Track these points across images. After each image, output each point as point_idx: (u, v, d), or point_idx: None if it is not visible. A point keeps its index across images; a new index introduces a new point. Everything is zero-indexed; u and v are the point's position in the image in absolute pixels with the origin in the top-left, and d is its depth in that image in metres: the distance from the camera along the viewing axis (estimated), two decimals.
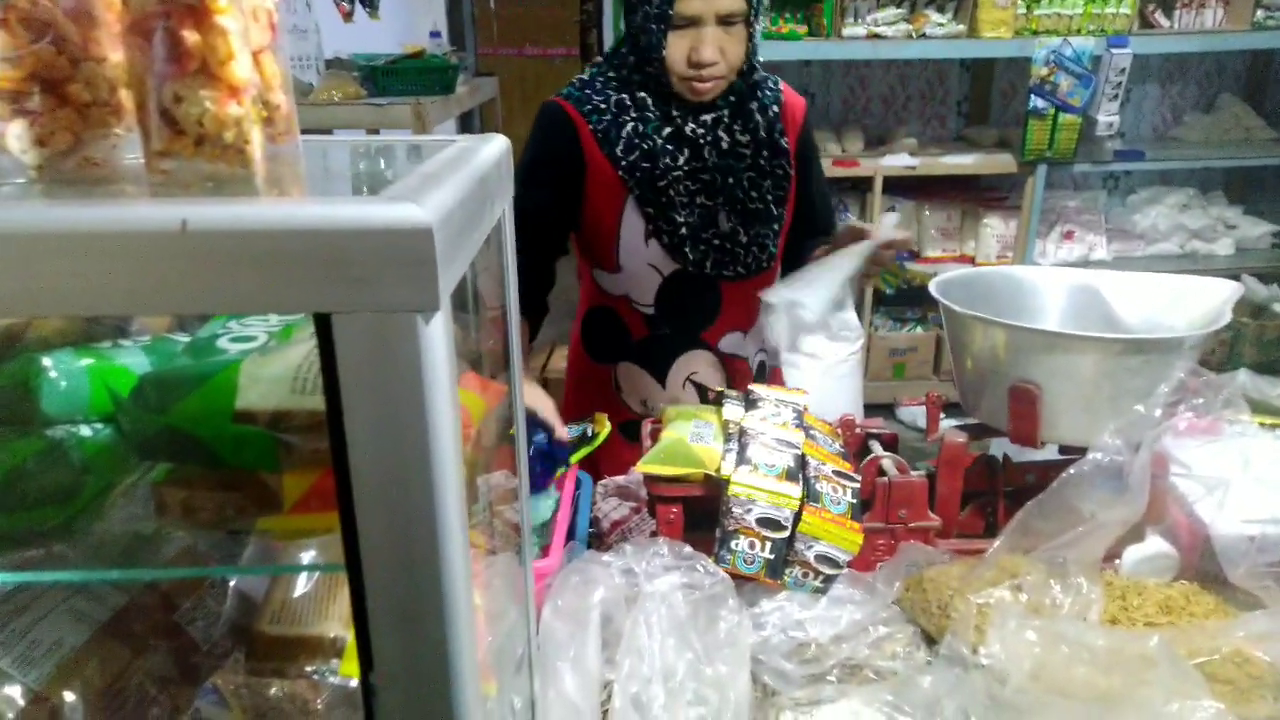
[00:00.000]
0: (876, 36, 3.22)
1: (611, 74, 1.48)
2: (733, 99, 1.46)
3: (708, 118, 1.45)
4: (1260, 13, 3.30)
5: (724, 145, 1.46)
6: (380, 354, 0.46)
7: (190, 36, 0.49)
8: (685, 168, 1.45)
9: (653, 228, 1.48)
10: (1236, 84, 3.86)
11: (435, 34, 4.04)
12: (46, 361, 0.57)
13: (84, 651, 0.59)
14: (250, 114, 0.52)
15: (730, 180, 1.48)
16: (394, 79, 3.03)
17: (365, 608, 0.50)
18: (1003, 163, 3.42)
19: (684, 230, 1.47)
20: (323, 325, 0.45)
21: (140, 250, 0.44)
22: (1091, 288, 1.30)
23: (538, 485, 1.19)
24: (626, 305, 1.56)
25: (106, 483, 0.55)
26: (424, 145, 0.72)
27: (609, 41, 3.84)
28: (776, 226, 1.54)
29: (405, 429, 0.47)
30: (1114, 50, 3.14)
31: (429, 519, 0.48)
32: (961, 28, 3.25)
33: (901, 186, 3.59)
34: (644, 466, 1.18)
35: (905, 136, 3.52)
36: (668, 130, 1.45)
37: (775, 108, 1.51)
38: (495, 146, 0.72)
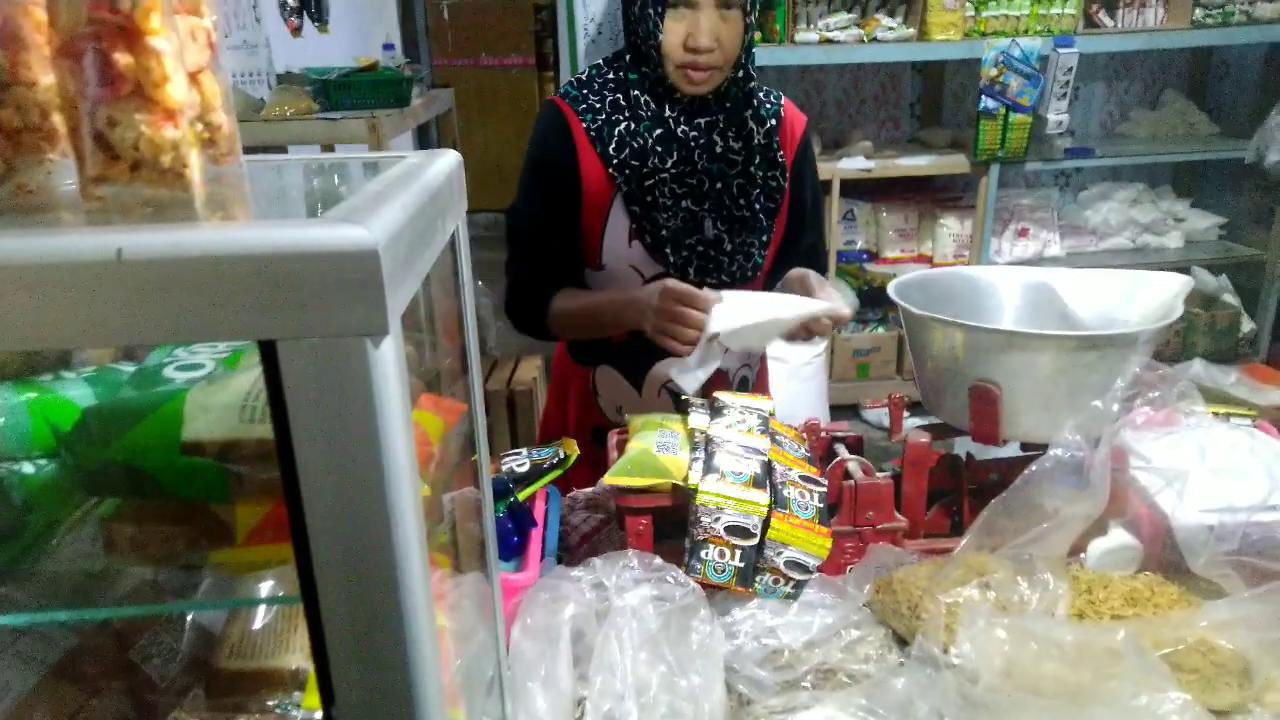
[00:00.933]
0: (829, 41, 3.25)
1: (610, 74, 1.49)
2: (728, 104, 1.46)
3: (701, 121, 1.45)
4: (1199, 11, 3.39)
5: (716, 150, 1.46)
6: (329, 380, 0.44)
7: (122, 59, 0.48)
8: (673, 170, 1.45)
9: (636, 227, 1.47)
10: (1180, 80, 3.96)
11: (389, 46, 4.00)
12: None
13: (32, 696, 0.57)
14: (188, 136, 0.50)
15: (719, 186, 1.48)
16: (347, 93, 3.00)
17: (324, 640, 0.49)
18: (956, 163, 3.47)
19: (665, 232, 1.47)
20: (268, 352, 0.44)
21: (75, 281, 0.43)
22: (1046, 285, 1.32)
23: (509, 553, 1.17)
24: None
25: (51, 520, 0.53)
26: (374, 162, 0.71)
27: (565, 51, 3.83)
28: (765, 237, 1.53)
29: (358, 456, 0.46)
30: (1061, 50, 3.20)
31: (386, 548, 0.47)
32: (911, 31, 3.29)
33: (858, 189, 3.62)
34: (611, 478, 1.17)
35: (860, 140, 3.55)
36: (659, 131, 1.45)
37: (774, 121, 1.51)
38: (446, 162, 0.71)
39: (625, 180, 1.45)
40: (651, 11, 1.36)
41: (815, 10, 3.30)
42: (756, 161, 1.49)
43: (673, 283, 1.31)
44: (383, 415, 0.46)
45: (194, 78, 0.57)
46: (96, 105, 0.50)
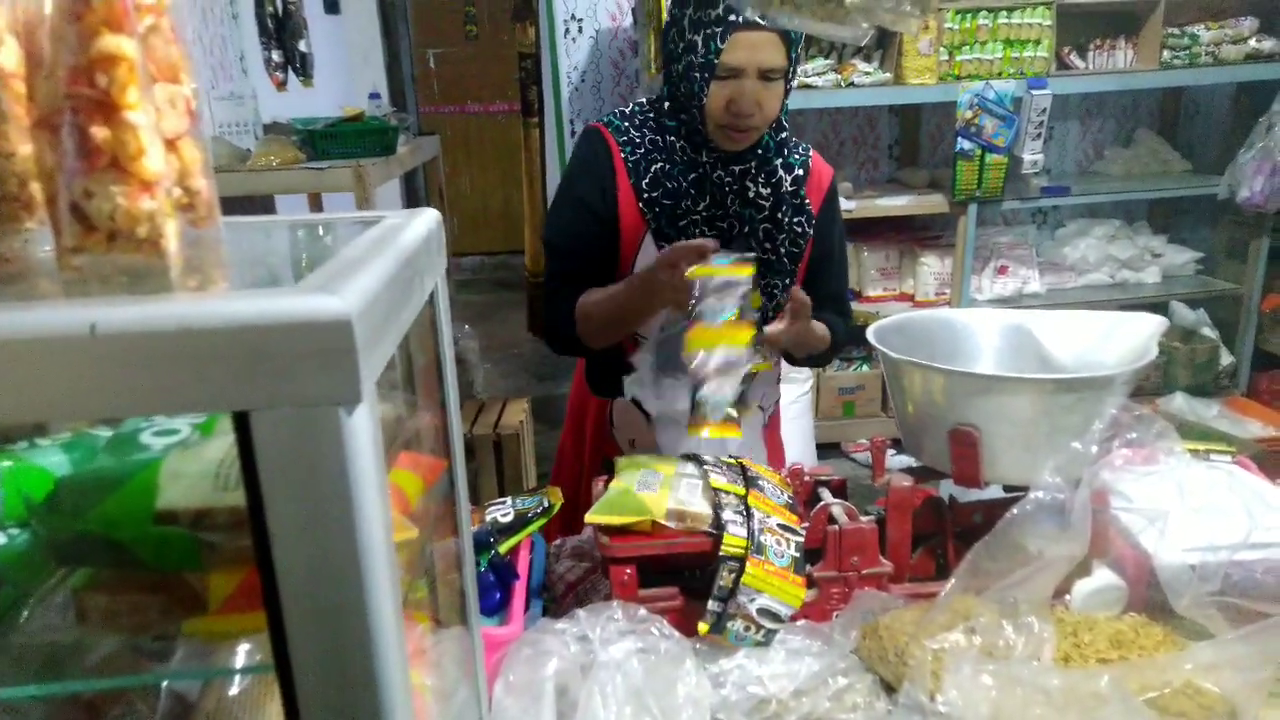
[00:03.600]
0: (807, 86, 3.31)
1: (651, 114, 1.54)
2: (760, 152, 1.51)
3: (736, 168, 1.51)
4: (1167, 53, 3.47)
5: (749, 195, 1.52)
6: (302, 449, 0.45)
7: (99, 133, 0.49)
8: (705, 212, 1.51)
9: None
10: (1151, 119, 4.04)
11: (375, 95, 4.05)
12: None
13: None
14: (164, 207, 0.51)
15: (747, 230, 1.53)
16: (333, 142, 3.02)
17: (297, 708, 0.49)
18: (935, 203, 3.52)
19: None
20: (241, 422, 0.44)
21: (50, 356, 0.43)
22: (1023, 328, 1.33)
23: (493, 608, 1.16)
24: (631, 340, 1.58)
25: (21, 593, 0.53)
26: (351, 223, 0.72)
27: (549, 98, 3.89)
28: (788, 280, 1.57)
29: (331, 524, 0.46)
30: (1034, 92, 3.27)
31: (360, 615, 0.47)
32: (888, 75, 3.35)
33: None
34: (592, 517, 1.18)
35: (840, 180, 3.60)
36: (693, 175, 1.50)
37: (801, 170, 1.57)
38: (424, 221, 0.71)
39: (655, 218, 1.50)
40: (698, 75, 1.41)
41: None
42: (784, 208, 1.54)
43: (669, 247, 1.34)
44: (356, 483, 0.46)
45: (173, 144, 0.58)
46: (73, 177, 0.50)
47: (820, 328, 1.54)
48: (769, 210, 1.53)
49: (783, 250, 1.55)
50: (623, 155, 1.52)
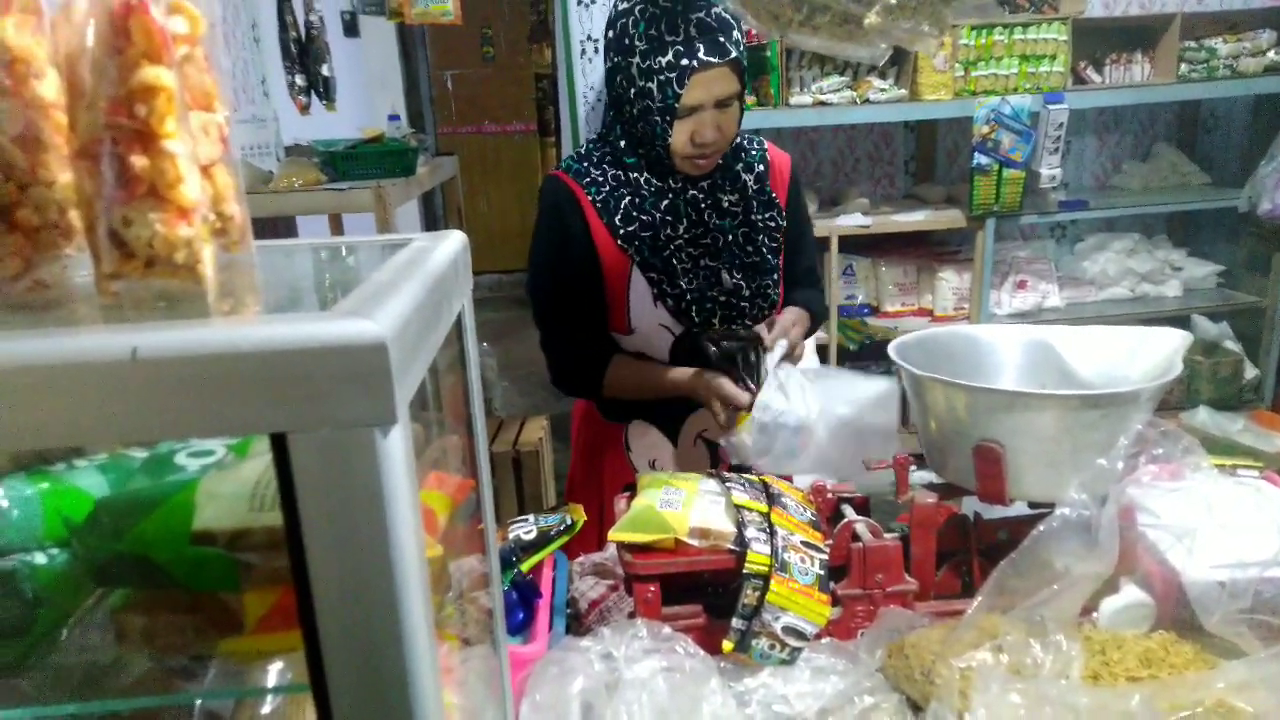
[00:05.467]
0: (822, 104, 3.32)
1: (608, 150, 1.56)
2: (720, 162, 1.54)
3: (705, 183, 1.54)
4: (1184, 66, 3.46)
5: (723, 205, 1.55)
6: (338, 470, 0.45)
7: (138, 161, 0.50)
8: (686, 235, 1.54)
9: (657, 292, 1.54)
10: (1169, 132, 4.02)
11: (394, 117, 4.10)
12: None
13: None
14: (201, 233, 0.52)
15: (730, 239, 1.56)
16: (354, 164, 3.06)
17: None
18: (952, 218, 3.51)
19: (689, 296, 1.54)
20: (278, 443, 0.45)
21: (92, 381, 0.44)
22: (1046, 343, 1.33)
23: (517, 627, 1.17)
24: None
25: (61, 613, 0.53)
26: (380, 246, 0.73)
27: (565, 116, 3.92)
28: (776, 276, 1.62)
29: (366, 544, 0.46)
30: (1050, 106, 3.26)
31: (394, 635, 0.47)
32: (903, 92, 3.36)
33: (856, 245, 3.66)
34: (615, 535, 1.18)
35: (857, 196, 3.61)
36: (665, 203, 1.52)
37: (761, 166, 1.61)
38: (451, 244, 0.72)
39: (637, 251, 1.52)
40: (657, 119, 1.43)
41: (808, 74, 3.38)
42: (755, 207, 1.58)
43: (716, 384, 1.48)
44: (390, 503, 0.46)
45: (206, 171, 0.59)
46: (112, 205, 0.52)
47: (795, 313, 1.62)
48: (742, 215, 1.57)
49: (765, 250, 1.58)
50: (589, 197, 1.53)
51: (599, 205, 1.52)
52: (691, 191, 1.53)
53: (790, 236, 1.66)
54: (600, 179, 1.53)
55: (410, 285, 0.54)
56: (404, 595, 0.47)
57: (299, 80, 2.86)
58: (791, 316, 1.61)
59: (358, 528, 0.46)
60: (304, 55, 2.93)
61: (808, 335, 1.71)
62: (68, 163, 0.57)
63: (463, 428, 0.77)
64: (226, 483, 0.53)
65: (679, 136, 1.44)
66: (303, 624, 0.47)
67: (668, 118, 1.42)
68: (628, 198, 1.52)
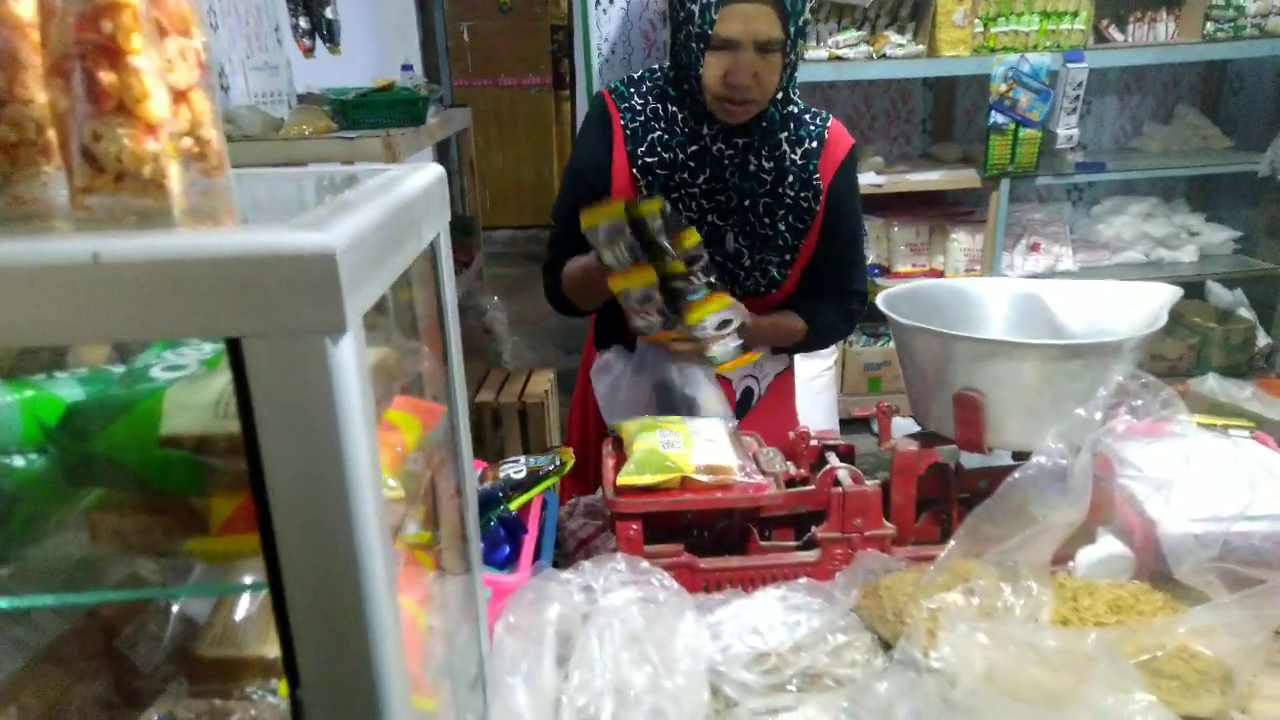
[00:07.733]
0: (838, 59, 3.28)
1: (657, 81, 1.55)
2: (764, 125, 1.49)
3: (739, 141, 1.49)
4: (1210, 25, 3.38)
5: (749, 168, 1.50)
6: (291, 375, 0.47)
7: (106, 77, 0.51)
8: (703, 186, 1.51)
9: None
10: (1192, 94, 3.95)
11: (408, 66, 4.08)
12: None
13: (19, 678, 0.60)
14: (167, 149, 0.54)
15: (746, 203, 1.52)
16: (364, 112, 3.06)
17: (289, 625, 0.52)
18: (967, 178, 3.48)
19: None
20: (235, 349, 0.47)
21: (57, 282, 0.46)
22: (1035, 296, 1.33)
23: (502, 562, 1.20)
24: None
25: (39, 510, 0.56)
26: (359, 175, 0.74)
27: (580, 70, 3.89)
28: (789, 256, 1.55)
29: (319, 447, 0.48)
30: (1070, 65, 3.21)
31: (347, 536, 0.50)
32: (921, 48, 3.31)
33: (869, 204, 3.63)
34: (625, 479, 1.19)
35: (872, 155, 3.57)
36: (693, 148, 1.49)
37: (815, 143, 1.53)
38: (426, 174, 0.74)
39: (648, 185, 1.51)
40: (695, 45, 1.41)
41: (825, 28, 3.33)
42: (788, 181, 1.52)
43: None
44: (342, 409, 0.48)
45: (184, 95, 0.61)
46: (83, 121, 0.53)
47: (787, 320, 1.58)
48: (770, 185, 1.51)
49: (782, 226, 1.53)
50: (622, 122, 1.52)
51: (629, 132, 1.51)
52: (721, 145, 1.49)
53: (827, 229, 1.57)
54: (639, 107, 1.52)
55: (373, 204, 0.56)
56: (355, 496, 0.49)
57: (302, 23, 2.86)
58: (775, 318, 1.57)
59: (310, 431, 0.48)
60: None
61: (792, 349, 1.66)
62: (44, 83, 0.58)
63: (438, 356, 0.79)
64: (193, 391, 0.55)
65: (711, 70, 1.40)
66: (260, 524, 0.50)
67: (701, 45, 1.39)
68: (658, 132, 1.50)
